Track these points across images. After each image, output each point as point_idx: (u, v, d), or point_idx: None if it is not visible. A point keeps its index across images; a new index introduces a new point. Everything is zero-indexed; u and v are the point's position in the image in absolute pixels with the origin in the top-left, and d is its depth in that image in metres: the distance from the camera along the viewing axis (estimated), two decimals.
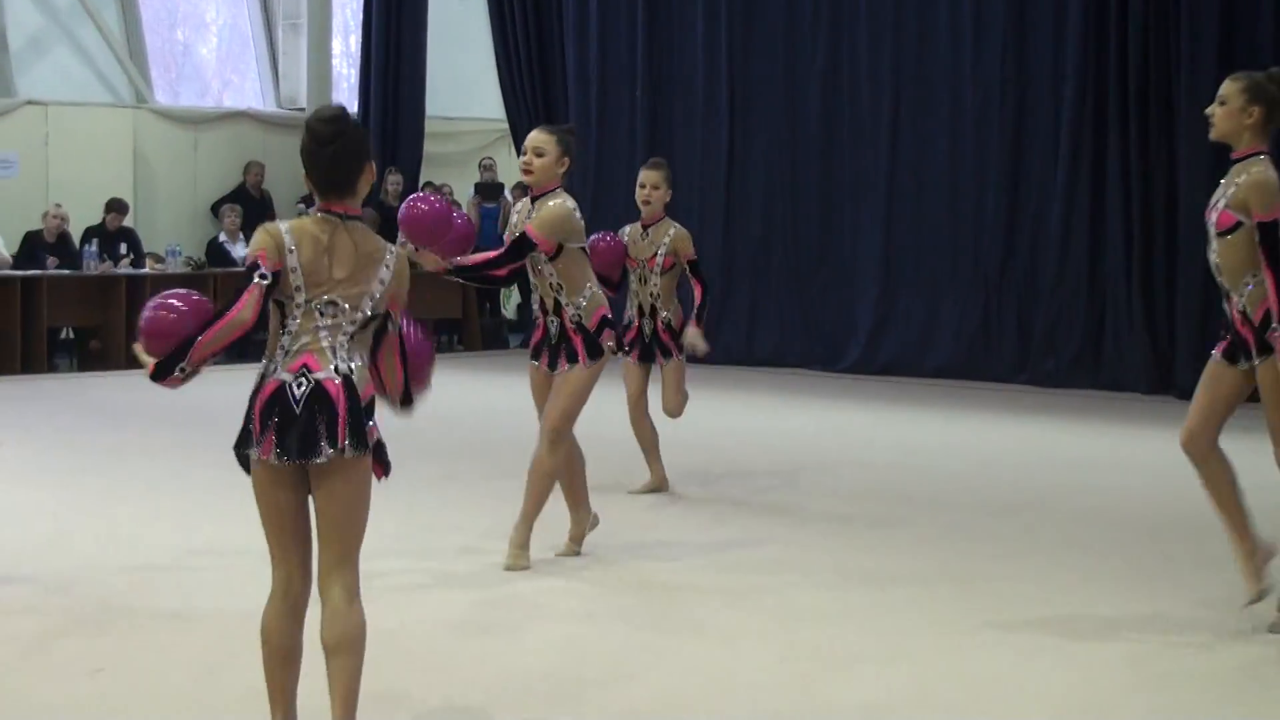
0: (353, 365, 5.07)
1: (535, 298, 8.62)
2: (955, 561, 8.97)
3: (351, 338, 5.10)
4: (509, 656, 7.15)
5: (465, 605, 7.87)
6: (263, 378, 5.06)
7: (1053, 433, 14.15)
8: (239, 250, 19.57)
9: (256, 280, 4.92)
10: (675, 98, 20.66)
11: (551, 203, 8.21)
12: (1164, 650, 7.39)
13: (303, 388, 4.97)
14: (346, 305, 5.07)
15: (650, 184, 10.30)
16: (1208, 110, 7.56)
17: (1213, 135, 7.61)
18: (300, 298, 5.05)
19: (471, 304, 20.67)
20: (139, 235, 19.86)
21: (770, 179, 19.66)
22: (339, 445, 4.92)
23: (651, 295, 10.06)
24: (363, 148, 5.17)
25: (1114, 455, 12.88)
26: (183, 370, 4.96)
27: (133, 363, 15.20)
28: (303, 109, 22.08)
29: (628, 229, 10.21)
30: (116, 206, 19.46)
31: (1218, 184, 11.53)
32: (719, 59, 20.25)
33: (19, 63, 20.54)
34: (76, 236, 19.22)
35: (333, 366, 5.04)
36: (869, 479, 11.67)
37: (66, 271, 18.63)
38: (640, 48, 20.68)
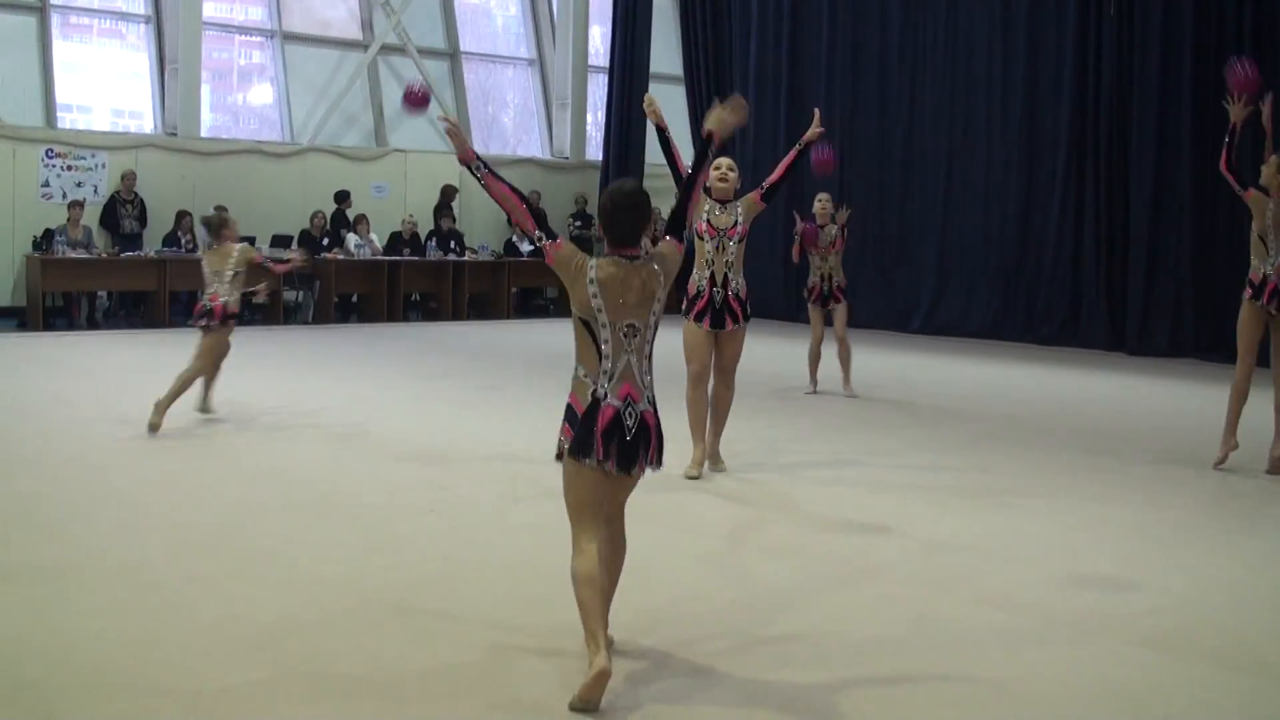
0: (654, 392, 4.82)
1: (706, 274, 8.23)
2: (979, 452, 9.42)
3: (649, 357, 4.80)
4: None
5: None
6: (596, 400, 4.69)
7: (1046, 374, 14.57)
8: (524, 246, 20.79)
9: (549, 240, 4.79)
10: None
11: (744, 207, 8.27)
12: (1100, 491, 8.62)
13: (632, 419, 4.68)
14: (641, 326, 4.73)
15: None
16: (1262, 182, 8.52)
17: (1271, 187, 8.45)
18: (603, 318, 4.68)
19: None
20: (462, 234, 21.06)
21: (868, 207, 19.86)
22: (651, 464, 4.78)
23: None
24: (647, 211, 4.85)
25: (1082, 389, 13.39)
26: (479, 169, 5.00)
27: (458, 315, 17.97)
28: (568, 158, 23.45)
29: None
30: (447, 216, 20.77)
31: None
32: (834, 127, 20.11)
33: (390, 125, 21.74)
34: (423, 235, 20.40)
35: (646, 398, 4.75)
36: (928, 400, 12.18)
37: (416, 258, 19.84)
38: (783, 117, 21.38)
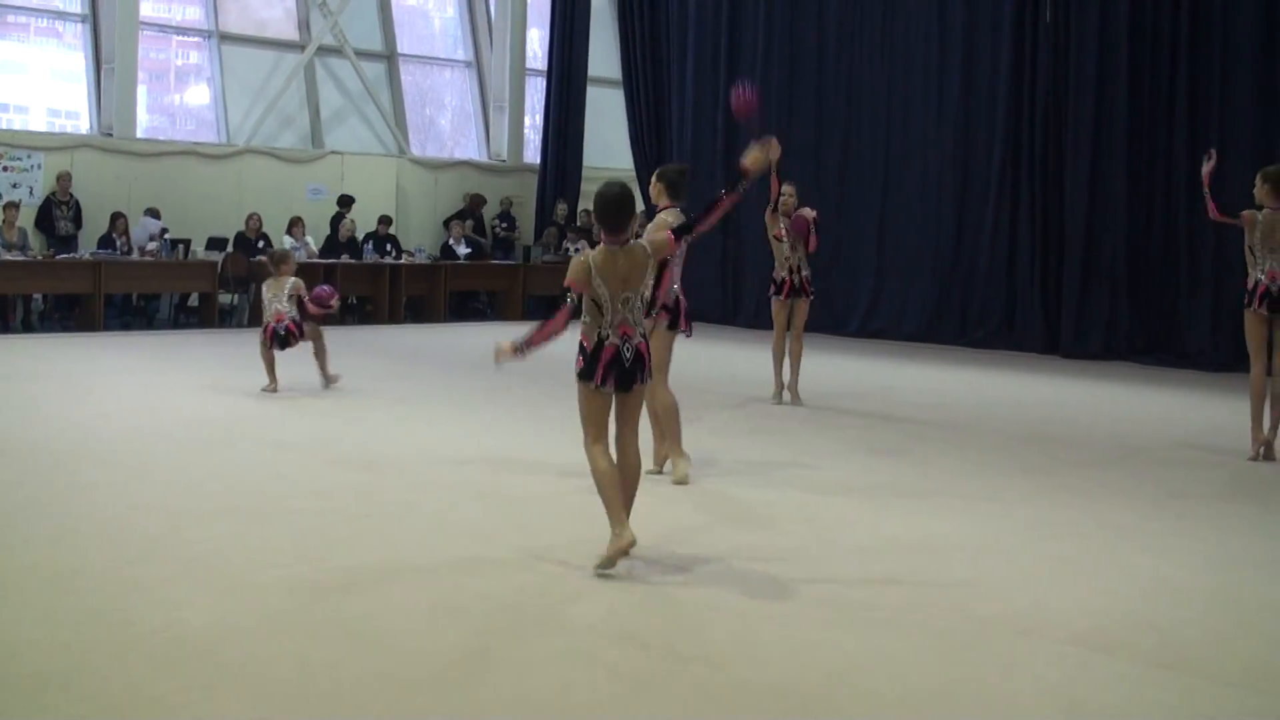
0: (645, 329, 6.03)
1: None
2: (914, 455, 9.49)
3: (639, 307, 5.97)
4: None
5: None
6: (600, 341, 5.85)
7: (981, 377, 14.70)
8: (461, 249, 20.84)
9: (568, 300, 5.86)
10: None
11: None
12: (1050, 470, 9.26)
13: (630, 351, 5.86)
14: (633, 294, 5.91)
15: (787, 193, 11.11)
16: (1257, 200, 9.15)
17: (1257, 201, 9.13)
18: (606, 297, 5.83)
19: None
20: (399, 238, 20.95)
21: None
22: (644, 380, 5.96)
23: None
24: (633, 205, 6.02)
25: (1017, 392, 13.55)
26: (522, 352, 5.91)
27: (394, 318, 17.90)
28: (505, 160, 23.45)
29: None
30: (384, 220, 20.72)
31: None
32: (771, 130, 21.93)
33: (326, 127, 21.75)
34: (360, 238, 20.32)
35: (639, 333, 5.93)
36: (863, 404, 12.24)
37: (354, 261, 19.65)
38: (720, 121, 21.12)
